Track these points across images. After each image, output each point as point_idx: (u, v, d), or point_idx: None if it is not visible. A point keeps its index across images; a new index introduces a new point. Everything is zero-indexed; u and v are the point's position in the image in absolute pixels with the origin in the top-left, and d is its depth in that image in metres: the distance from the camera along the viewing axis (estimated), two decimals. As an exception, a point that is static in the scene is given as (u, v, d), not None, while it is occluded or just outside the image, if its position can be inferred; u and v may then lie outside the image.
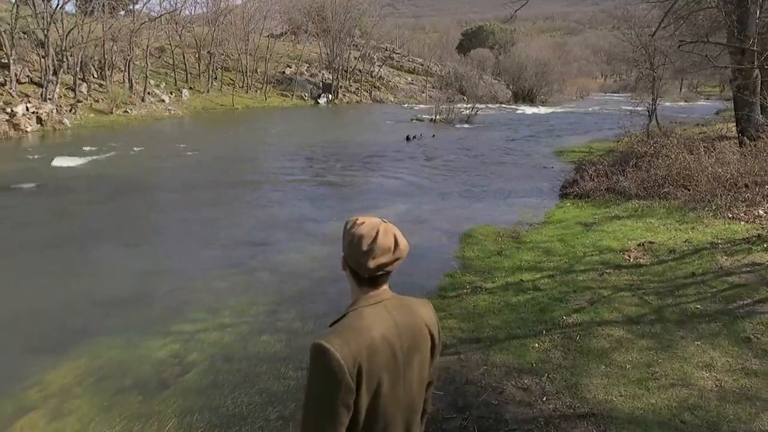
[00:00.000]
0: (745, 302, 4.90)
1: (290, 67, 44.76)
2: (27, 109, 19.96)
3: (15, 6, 21.74)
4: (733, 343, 4.24)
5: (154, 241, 8.21)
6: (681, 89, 61.68)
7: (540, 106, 47.50)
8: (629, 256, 6.34)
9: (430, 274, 6.51)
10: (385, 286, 1.63)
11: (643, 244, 6.70)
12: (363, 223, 1.60)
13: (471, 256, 7.09)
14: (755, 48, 8.59)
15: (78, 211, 9.90)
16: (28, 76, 23.15)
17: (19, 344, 4.90)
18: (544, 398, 3.70)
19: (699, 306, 4.93)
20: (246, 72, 38.95)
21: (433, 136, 22.32)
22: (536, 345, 4.43)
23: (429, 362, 1.71)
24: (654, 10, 13.26)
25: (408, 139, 20.88)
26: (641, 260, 6.23)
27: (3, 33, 21.23)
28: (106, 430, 3.68)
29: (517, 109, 42.39)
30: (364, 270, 1.56)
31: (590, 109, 43.74)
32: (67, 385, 4.22)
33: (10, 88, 20.93)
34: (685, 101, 48.73)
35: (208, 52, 35.97)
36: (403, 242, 1.60)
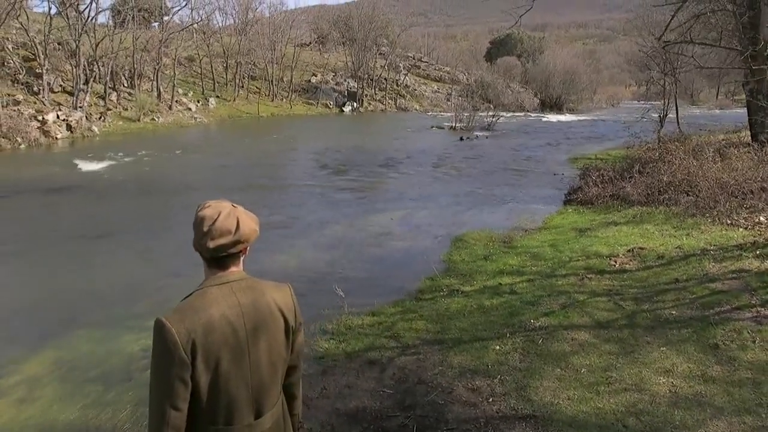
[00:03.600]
0: (722, 309, 4.75)
1: (316, 76, 45.38)
2: (58, 117, 20.83)
3: (48, 17, 22.76)
4: (700, 350, 4.11)
5: (160, 240, 8.47)
6: (717, 96, 59.92)
7: (566, 114, 46.81)
8: (615, 262, 6.21)
9: (412, 276, 6.51)
10: (234, 268, 1.67)
11: (632, 250, 6.55)
12: (209, 206, 1.64)
13: (457, 259, 7.05)
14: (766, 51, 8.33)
15: (95, 211, 10.35)
16: (61, 86, 24.18)
17: (7, 334, 5.14)
18: (491, 399, 3.66)
19: (674, 312, 4.79)
20: (272, 80, 39.68)
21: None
22: (497, 347, 4.39)
23: (285, 345, 1.73)
24: (674, 15, 12.95)
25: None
26: (627, 266, 6.09)
27: (38, 44, 22.22)
28: (64, 416, 3.83)
29: (542, 117, 41.84)
30: (204, 250, 1.60)
31: (618, 116, 42.81)
32: (39, 374, 4.41)
33: (43, 97, 21.90)
34: (720, 109, 47.29)
35: (236, 61, 36.81)
36: (247, 227, 1.64)
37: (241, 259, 1.71)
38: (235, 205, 1.68)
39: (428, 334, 4.78)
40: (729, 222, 7.13)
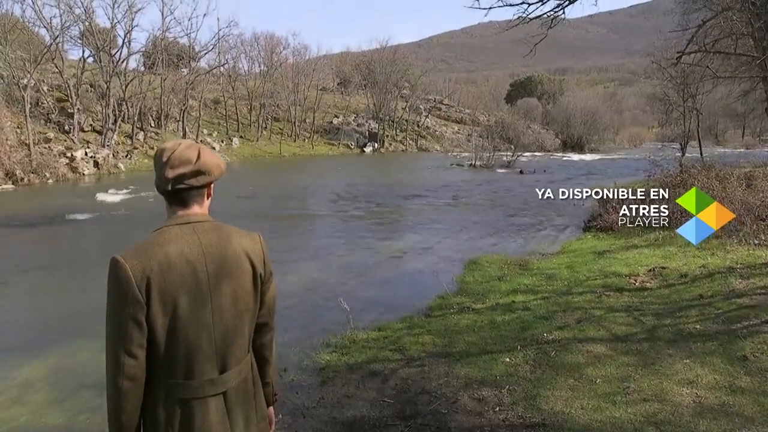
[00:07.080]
0: (750, 323, 4.43)
1: (338, 117, 46.33)
2: (86, 154, 21.55)
3: (82, 61, 23.89)
4: (727, 362, 3.81)
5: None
6: (743, 136, 59.12)
7: (588, 154, 46.61)
8: (635, 281, 5.93)
9: (422, 295, 6.31)
10: (198, 208, 1.56)
11: (653, 270, 6.26)
12: (172, 141, 1.57)
13: (470, 280, 6.83)
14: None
15: (110, 236, 10.52)
16: (91, 125, 25.12)
17: (10, 342, 5.14)
18: (497, 408, 3.42)
19: (698, 326, 4.49)
20: (295, 122, 40.60)
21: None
22: (507, 360, 4.14)
23: (253, 295, 1.59)
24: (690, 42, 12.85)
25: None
26: (648, 284, 5.80)
27: (71, 86, 23.26)
28: (52, 420, 3.72)
29: (563, 157, 41.76)
30: (164, 182, 1.50)
31: (640, 155, 42.39)
32: (32, 379, 4.33)
33: (73, 135, 22.73)
34: (746, 148, 46.56)
35: (260, 103, 37.88)
36: (209, 158, 1.53)
37: (206, 201, 1.60)
38: (200, 142, 1.60)
39: (435, 347, 4.56)
40: (756, 242, 6.81)
